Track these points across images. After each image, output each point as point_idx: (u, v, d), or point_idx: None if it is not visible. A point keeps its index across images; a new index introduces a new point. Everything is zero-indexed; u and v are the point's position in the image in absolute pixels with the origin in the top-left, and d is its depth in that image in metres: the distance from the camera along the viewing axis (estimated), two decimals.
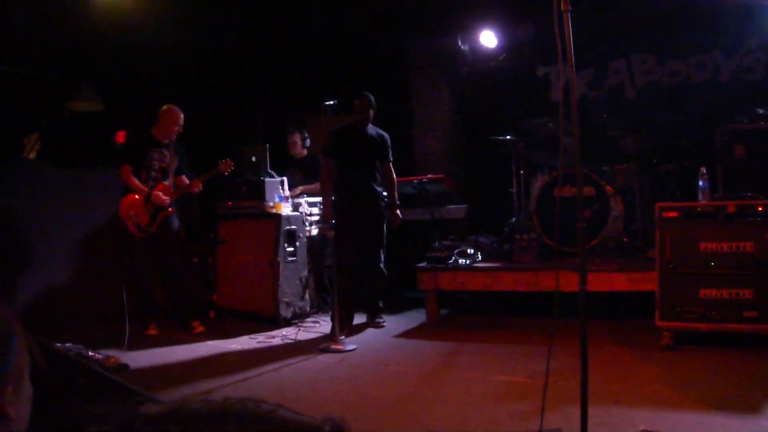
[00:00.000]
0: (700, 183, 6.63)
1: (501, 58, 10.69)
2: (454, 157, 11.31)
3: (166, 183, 7.93)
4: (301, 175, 9.57)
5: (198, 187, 8.04)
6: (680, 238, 6.23)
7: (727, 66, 9.48)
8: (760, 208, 6.01)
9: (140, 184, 7.83)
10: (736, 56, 9.41)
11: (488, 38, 10.37)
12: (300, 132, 9.68)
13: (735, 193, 6.49)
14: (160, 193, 7.81)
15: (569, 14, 3.75)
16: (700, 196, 6.59)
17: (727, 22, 9.14)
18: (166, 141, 7.97)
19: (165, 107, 7.95)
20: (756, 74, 9.31)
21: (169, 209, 7.89)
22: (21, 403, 1.37)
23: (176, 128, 7.93)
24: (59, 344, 5.11)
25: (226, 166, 8.07)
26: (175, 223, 8.07)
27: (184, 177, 8.12)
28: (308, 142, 9.63)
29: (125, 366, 6.47)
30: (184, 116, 7.89)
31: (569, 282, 6.26)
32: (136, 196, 7.82)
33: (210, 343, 7.63)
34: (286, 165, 9.70)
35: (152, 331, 8.02)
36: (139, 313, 8.11)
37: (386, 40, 10.98)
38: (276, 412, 0.85)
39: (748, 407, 4.64)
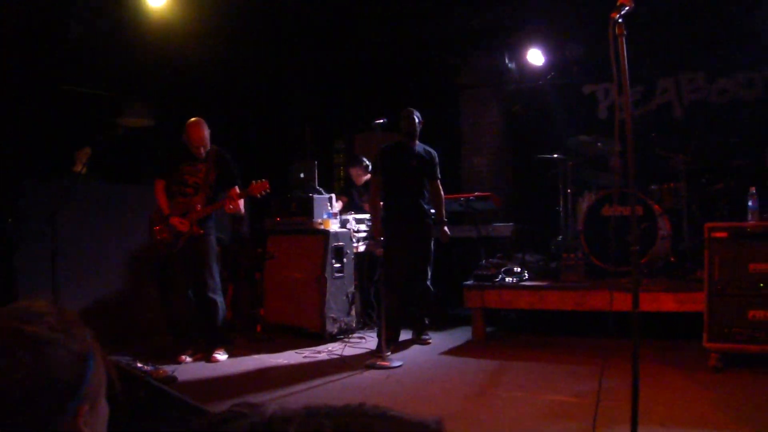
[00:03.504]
0: (750, 203, 6.58)
1: (548, 76, 10.71)
2: (501, 175, 11.33)
3: (198, 199, 7.47)
4: (368, 196, 9.68)
5: (235, 208, 7.50)
6: (729, 259, 6.18)
7: None
8: None
9: (165, 203, 7.45)
10: None
11: (535, 56, 10.39)
12: (359, 164, 9.76)
13: None
14: (177, 221, 7.38)
15: (623, 38, 3.76)
16: (750, 217, 6.55)
17: None
18: (201, 152, 7.53)
19: (191, 119, 7.53)
20: None
21: (196, 231, 7.41)
22: (96, 423, 1.42)
23: (200, 142, 7.45)
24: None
25: (258, 188, 7.45)
26: (206, 243, 7.57)
27: (237, 188, 7.55)
28: (370, 167, 9.70)
29: (174, 378, 6.53)
30: (234, 132, 7.67)
31: (617, 301, 6.25)
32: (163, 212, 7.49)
33: (257, 356, 7.68)
34: (349, 187, 9.90)
35: (183, 359, 7.47)
36: (172, 331, 8.01)
37: (436, 59, 11.05)
38: (391, 411, 0.93)
39: None
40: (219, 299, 7.65)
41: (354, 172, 9.92)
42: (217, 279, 7.70)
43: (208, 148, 7.58)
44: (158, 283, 8.51)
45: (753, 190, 6.62)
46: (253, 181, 7.50)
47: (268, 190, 7.53)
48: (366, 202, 9.52)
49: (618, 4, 3.81)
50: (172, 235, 7.44)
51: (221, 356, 7.55)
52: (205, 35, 9.39)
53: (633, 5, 3.80)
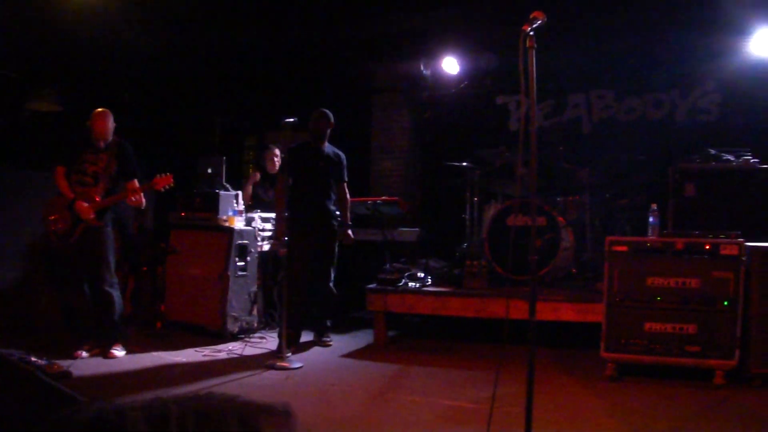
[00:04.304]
0: (651, 219, 6.74)
1: (462, 85, 10.79)
2: (409, 180, 11.36)
3: (97, 189, 7.28)
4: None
5: (137, 201, 7.40)
6: (628, 272, 6.34)
7: (683, 105, 9.66)
8: (707, 246, 6.13)
9: (68, 189, 7.25)
10: (693, 96, 9.58)
11: (450, 65, 10.45)
12: (279, 149, 9.59)
13: (684, 231, 6.61)
14: (85, 205, 7.16)
15: (534, 51, 3.80)
16: (650, 232, 6.71)
17: (686, 62, 9.33)
18: (102, 144, 7.37)
19: (97, 110, 7.38)
20: (710, 115, 9.51)
21: (95, 222, 7.23)
22: None
23: (102, 134, 7.32)
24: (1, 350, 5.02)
25: (162, 182, 7.31)
26: (103, 235, 7.33)
27: (135, 182, 7.45)
28: None
29: (68, 373, 6.37)
30: (141, 122, 7.52)
31: (517, 310, 6.35)
32: (62, 200, 7.26)
33: (155, 354, 7.52)
34: (263, 180, 9.69)
35: (79, 354, 7.22)
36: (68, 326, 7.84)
37: (350, 61, 11.01)
38: (239, 396, 0.95)
39: None
40: (115, 293, 7.45)
41: (268, 156, 9.66)
42: (114, 273, 7.51)
43: (109, 140, 7.42)
44: (52, 275, 8.28)
45: (654, 206, 6.79)
46: (158, 175, 7.36)
47: (171, 185, 7.42)
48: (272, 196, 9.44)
49: (531, 17, 3.85)
50: (68, 226, 7.24)
51: (119, 352, 7.37)
52: (117, 23, 9.20)
53: (545, 18, 3.84)
